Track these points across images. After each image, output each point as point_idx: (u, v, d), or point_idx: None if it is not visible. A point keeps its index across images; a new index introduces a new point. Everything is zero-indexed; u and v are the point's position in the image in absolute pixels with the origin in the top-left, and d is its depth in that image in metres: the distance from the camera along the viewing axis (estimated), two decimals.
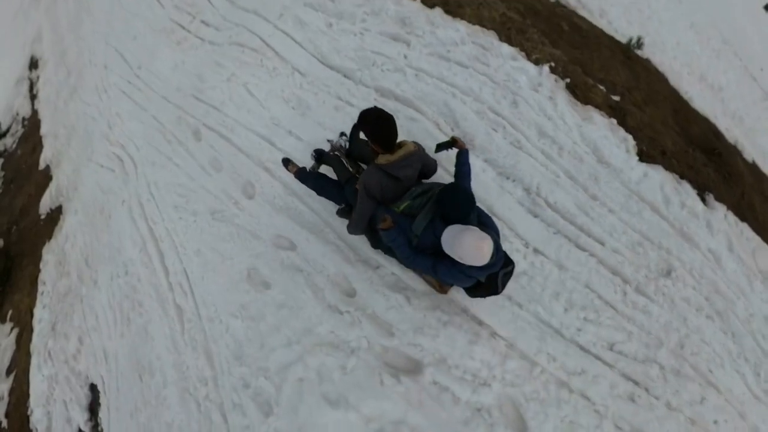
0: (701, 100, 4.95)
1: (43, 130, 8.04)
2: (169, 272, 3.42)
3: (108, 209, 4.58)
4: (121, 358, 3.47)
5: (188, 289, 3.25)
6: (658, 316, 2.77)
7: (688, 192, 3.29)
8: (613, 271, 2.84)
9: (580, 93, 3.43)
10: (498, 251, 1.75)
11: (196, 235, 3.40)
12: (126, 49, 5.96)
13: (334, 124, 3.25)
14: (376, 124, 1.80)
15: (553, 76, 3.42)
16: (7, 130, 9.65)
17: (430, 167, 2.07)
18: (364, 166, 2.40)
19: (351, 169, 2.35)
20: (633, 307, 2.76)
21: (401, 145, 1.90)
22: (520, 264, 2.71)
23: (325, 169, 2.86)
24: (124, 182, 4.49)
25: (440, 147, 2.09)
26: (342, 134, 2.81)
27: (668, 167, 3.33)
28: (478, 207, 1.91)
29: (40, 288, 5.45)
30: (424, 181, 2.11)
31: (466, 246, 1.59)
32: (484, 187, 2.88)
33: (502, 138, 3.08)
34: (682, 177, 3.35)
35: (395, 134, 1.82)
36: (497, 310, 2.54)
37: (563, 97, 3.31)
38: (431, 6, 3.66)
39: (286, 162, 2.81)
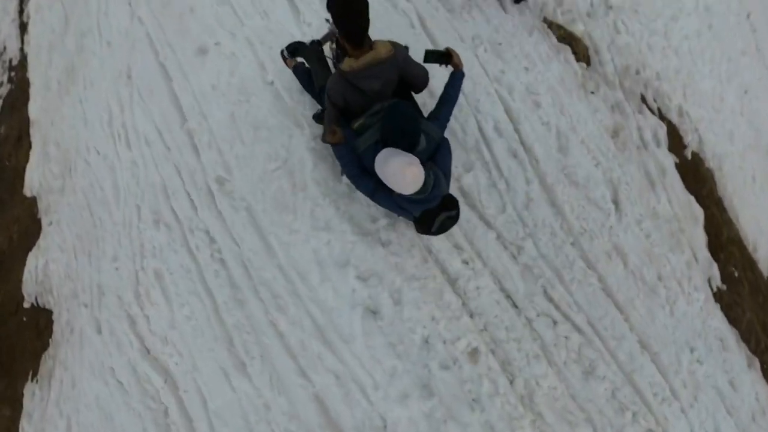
0: None
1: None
2: None
3: None
4: None
5: None
6: None
7: None
8: None
9: None
10: (435, 188, 1.60)
11: None
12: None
13: None
14: (342, 11, 1.45)
15: None
16: None
17: (416, 78, 1.72)
18: None
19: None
20: None
21: (373, 46, 1.55)
22: None
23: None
24: None
25: (430, 56, 1.73)
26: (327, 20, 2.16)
27: None
28: (442, 143, 1.70)
29: None
30: (414, 94, 1.87)
31: (392, 169, 1.46)
32: None
33: None
34: None
35: (364, 26, 1.47)
36: None
37: None
38: None
39: (285, 56, 2.27)
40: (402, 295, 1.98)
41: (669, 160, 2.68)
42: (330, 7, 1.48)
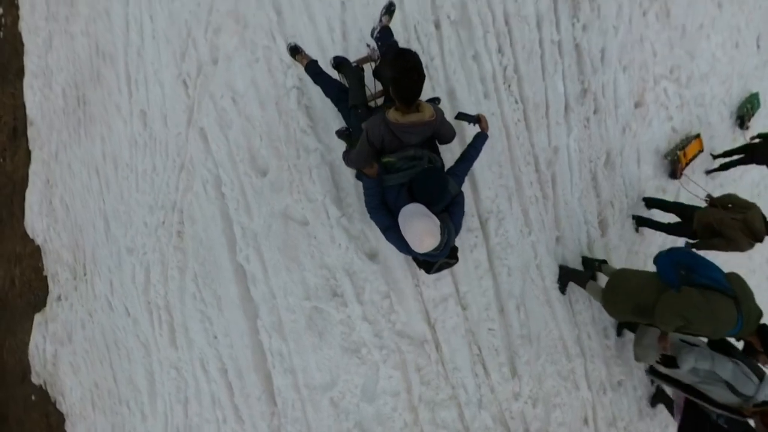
0: None
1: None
2: None
3: None
4: None
5: None
6: None
7: None
8: None
9: None
10: (446, 246, 1.68)
11: None
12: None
13: None
14: (402, 76, 1.49)
15: None
16: None
17: (445, 136, 1.87)
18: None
19: (368, 93, 2.04)
20: None
21: (419, 107, 1.64)
22: None
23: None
24: None
25: (462, 116, 1.93)
26: (377, 38, 2.09)
27: None
28: (457, 196, 1.81)
29: None
30: (438, 144, 1.94)
31: (414, 231, 1.56)
32: None
33: None
34: None
35: (417, 94, 1.55)
36: None
37: None
38: None
39: (295, 50, 2.21)
40: None
41: None
42: (392, 67, 1.51)
